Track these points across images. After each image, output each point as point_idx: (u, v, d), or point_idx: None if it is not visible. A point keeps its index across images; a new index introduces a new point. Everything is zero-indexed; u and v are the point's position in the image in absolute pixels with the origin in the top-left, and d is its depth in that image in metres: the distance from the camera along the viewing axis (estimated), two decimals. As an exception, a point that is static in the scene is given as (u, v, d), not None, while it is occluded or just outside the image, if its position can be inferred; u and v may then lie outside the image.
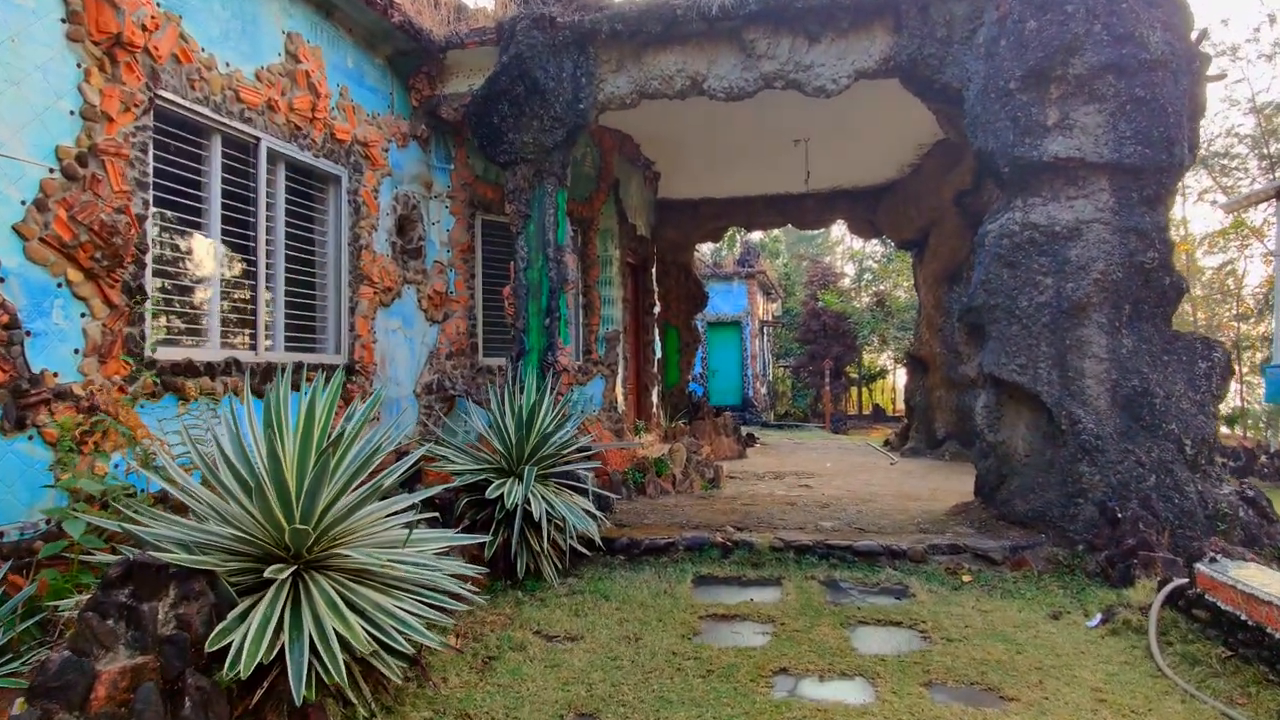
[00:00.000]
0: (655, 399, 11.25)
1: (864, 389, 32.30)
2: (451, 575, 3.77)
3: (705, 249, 35.98)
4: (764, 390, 25.32)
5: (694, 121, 9.09)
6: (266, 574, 3.13)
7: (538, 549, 5.18)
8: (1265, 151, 18.92)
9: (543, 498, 5.31)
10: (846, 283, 29.77)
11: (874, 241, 34.20)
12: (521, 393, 6.60)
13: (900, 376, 37.44)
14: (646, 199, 11.04)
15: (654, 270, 11.42)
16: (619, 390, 9.31)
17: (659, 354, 13.47)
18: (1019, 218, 5.90)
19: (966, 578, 5.38)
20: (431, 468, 5.52)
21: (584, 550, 5.61)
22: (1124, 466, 5.46)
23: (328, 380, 6.16)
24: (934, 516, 6.81)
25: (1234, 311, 19.40)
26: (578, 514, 5.46)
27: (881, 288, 27.18)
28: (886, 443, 13.20)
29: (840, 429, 21.34)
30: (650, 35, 6.69)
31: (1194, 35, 5.84)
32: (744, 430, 13.76)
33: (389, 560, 3.50)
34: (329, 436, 3.59)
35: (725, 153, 10.58)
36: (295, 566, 3.31)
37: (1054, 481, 5.72)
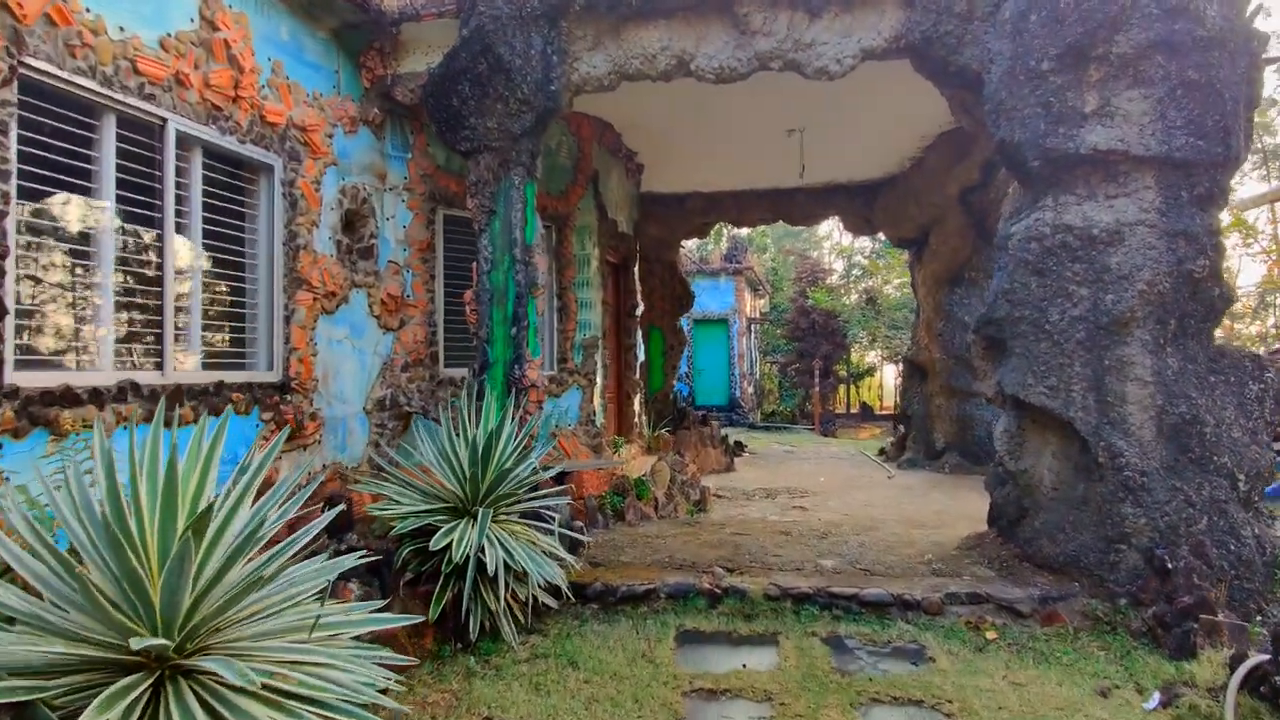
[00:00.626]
0: (638, 407, 10.50)
1: (852, 387, 31.71)
2: (379, 661, 2.99)
3: (691, 244, 35.26)
4: (751, 390, 24.64)
5: (680, 108, 8.31)
6: (108, 693, 2.34)
7: (494, 606, 4.40)
8: (1259, 146, 18.42)
9: (501, 544, 4.53)
10: (835, 279, 29.11)
11: (863, 237, 33.61)
12: (479, 416, 5.85)
13: (889, 374, 36.92)
14: (629, 193, 10.26)
15: (636, 269, 10.64)
16: (597, 401, 8.55)
17: (642, 358, 12.71)
18: (1050, 219, 5.17)
19: (991, 634, 4.66)
20: (372, 509, 4.72)
21: (550, 602, 4.84)
22: (1172, 507, 4.75)
23: (258, 402, 5.39)
24: (945, 551, 6.10)
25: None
26: (542, 561, 4.69)
27: (871, 284, 26.53)
28: (882, 451, 12.51)
29: (830, 431, 20.69)
30: (630, 8, 5.90)
31: (1249, 10, 5.12)
32: (731, 439, 13.03)
33: (285, 660, 2.72)
34: (238, 489, 2.80)
35: (714, 143, 9.80)
36: (155, 675, 2.53)
37: (1089, 521, 5.01)
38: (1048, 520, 5.32)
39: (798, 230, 40.67)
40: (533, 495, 5.29)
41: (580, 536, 6.01)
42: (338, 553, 4.00)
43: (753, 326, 25.70)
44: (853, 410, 31.47)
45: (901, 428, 18.04)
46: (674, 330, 12.58)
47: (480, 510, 4.61)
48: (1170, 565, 4.48)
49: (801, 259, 26.73)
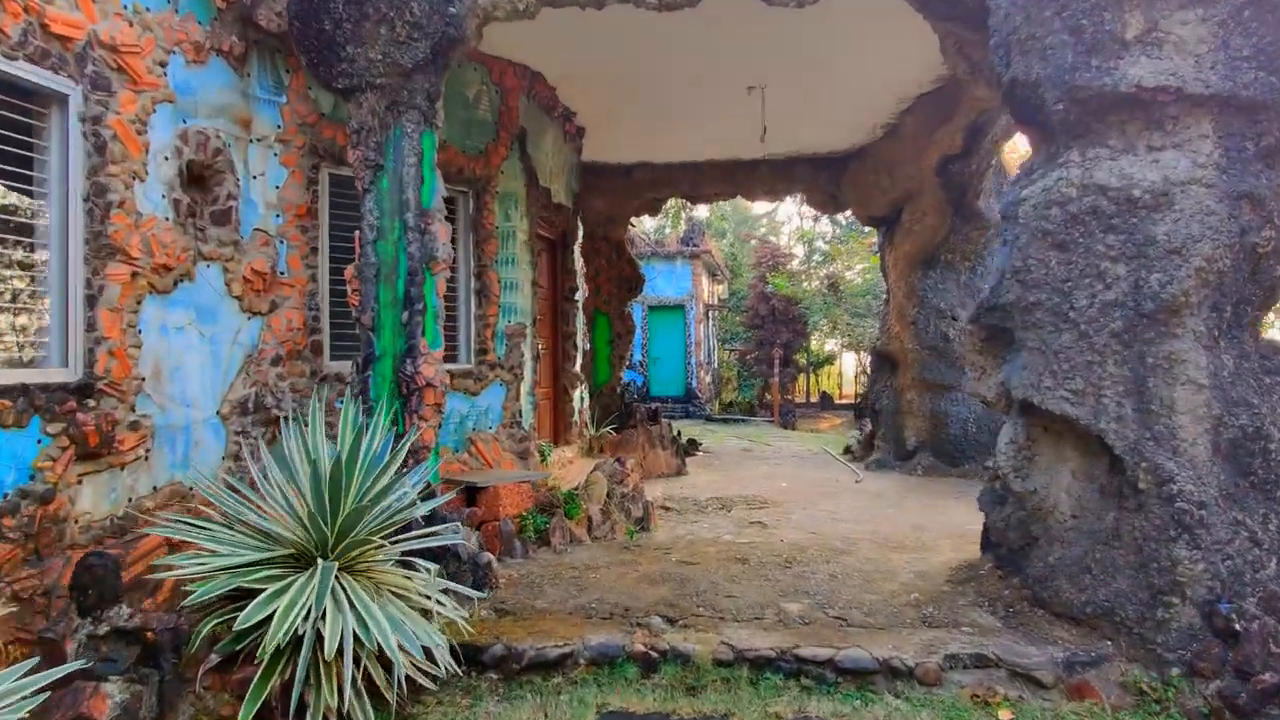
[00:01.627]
0: (578, 404, 9.29)
1: (812, 376, 30.94)
2: None
3: (649, 224, 33.98)
4: (709, 379, 23.60)
5: (625, 57, 7.09)
6: None
7: (333, 701, 3.17)
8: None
9: (355, 606, 3.31)
10: (796, 264, 28.18)
11: (824, 221, 32.74)
12: (369, 419, 4.66)
13: (848, 362, 36.27)
14: (567, 159, 9.00)
15: (576, 247, 9.39)
16: (525, 399, 7.32)
17: (585, 347, 11.50)
18: (1076, 177, 4.07)
19: (1005, 714, 3.59)
20: (175, 562, 3.44)
21: (427, 682, 3.62)
22: (1235, 547, 3.72)
23: (39, 410, 4.06)
24: (933, 585, 5.03)
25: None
26: (417, 625, 3.47)
27: (833, 270, 25.64)
28: (848, 450, 11.51)
29: (789, 422, 19.76)
30: (550, -94, 4.65)
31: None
32: (684, 437, 11.90)
33: None
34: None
35: (665, 103, 8.60)
36: None
37: (1125, 563, 3.95)
38: (1065, 555, 4.27)
39: (757, 214, 39.72)
40: (424, 530, 4.07)
41: (488, 570, 4.80)
42: (93, 639, 2.74)
43: (711, 313, 24.65)
44: (812, 399, 30.73)
45: (866, 419, 17.16)
46: (622, 316, 11.38)
47: (324, 564, 3.36)
48: (1239, 627, 3.45)
49: (761, 243, 25.72)
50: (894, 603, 4.71)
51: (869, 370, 10.98)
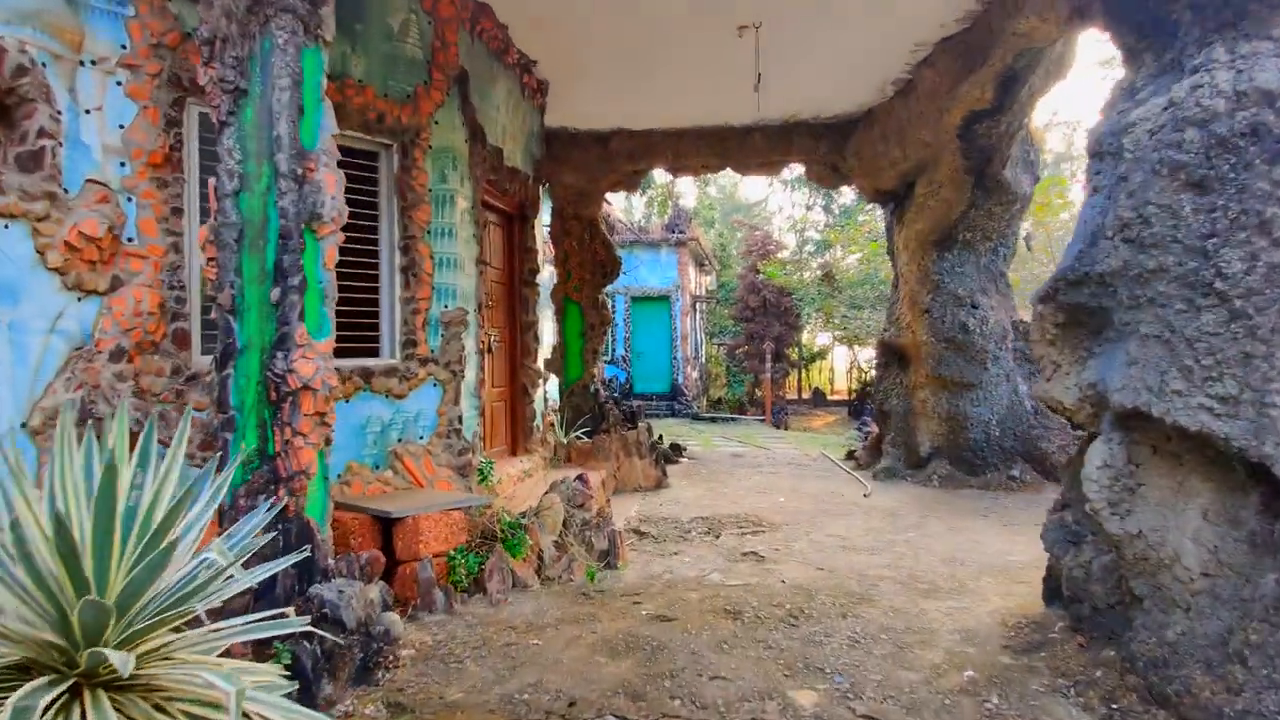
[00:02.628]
0: (541, 406, 7.96)
1: (803, 371, 29.73)
2: None
3: (636, 213, 32.58)
4: (696, 375, 22.30)
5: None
6: None
7: None
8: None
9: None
10: (787, 254, 26.91)
11: (817, 209, 31.52)
12: (228, 433, 3.41)
13: (840, 356, 35.06)
14: (526, 119, 7.65)
15: (539, 222, 8.03)
16: (467, 401, 5.98)
17: (554, 339, 10.18)
18: (1226, 83, 2.79)
19: None
20: None
21: None
22: None
23: None
24: (989, 657, 3.75)
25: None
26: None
27: (826, 259, 24.38)
28: (851, 456, 10.23)
29: (781, 421, 18.52)
30: None
31: None
32: (666, 441, 10.59)
33: None
34: None
35: (643, 54, 7.28)
36: None
37: (1306, 655, 2.68)
38: (1195, 631, 2.99)
39: (746, 203, 38.42)
40: (256, 617, 2.74)
41: (384, 643, 3.47)
42: None
43: (698, 305, 23.35)
44: (804, 396, 29.54)
45: (866, 418, 15.91)
46: (596, 305, 10.04)
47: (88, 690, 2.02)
48: None
49: (751, 230, 24.42)
50: (942, 686, 3.42)
51: (876, 366, 9.71)
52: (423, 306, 5.64)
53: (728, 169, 9.88)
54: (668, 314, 20.34)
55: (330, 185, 3.88)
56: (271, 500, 3.43)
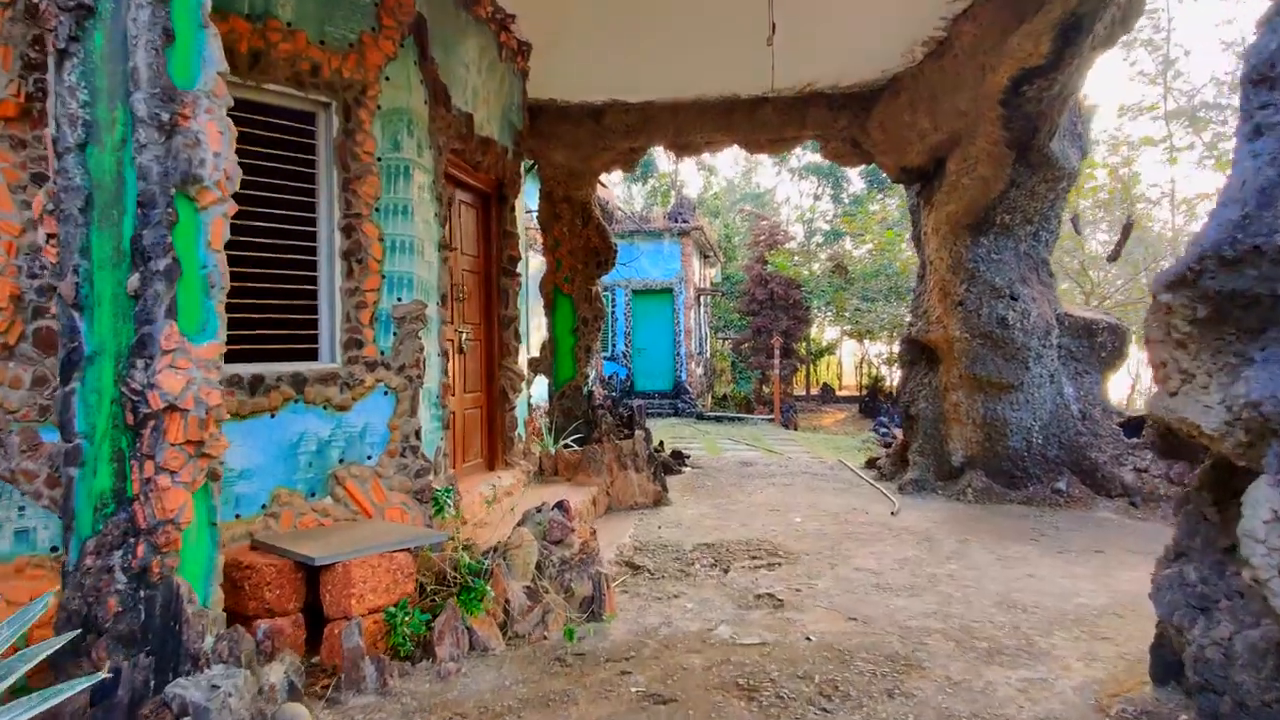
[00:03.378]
0: (523, 412, 7.00)
1: (811, 366, 28.77)
2: None
3: (637, 199, 31.53)
4: (700, 371, 21.33)
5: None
6: None
7: None
8: None
9: None
10: (794, 246, 25.90)
11: (825, 199, 30.47)
12: (74, 467, 2.41)
13: (848, 351, 34.03)
14: (505, 83, 6.67)
15: (519, 203, 7.04)
16: (426, 412, 5.02)
17: (544, 335, 9.22)
18: None
19: None
20: None
21: None
22: None
23: None
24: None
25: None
26: None
27: (837, 249, 23.34)
28: (873, 464, 9.25)
29: (790, 420, 17.56)
30: None
31: None
32: (667, 446, 9.63)
33: None
34: None
35: (640, 12, 6.30)
36: None
37: None
38: None
39: (753, 192, 37.38)
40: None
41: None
42: None
43: (703, 298, 22.37)
44: (812, 392, 28.59)
45: (885, 420, 14.93)
46: (589, 298, 9.07)
47: None
48: None
49: (758, 219, 23.41)
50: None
51: (901, 364, 8.73)
52: (370, 299, 4.68)
53: (735, 146, 8.89)
54: (670, 308, 19.37)
55: (213, 137, 2.92)
56: (117, 566, 2.49)
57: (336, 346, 4.60)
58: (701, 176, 34.79)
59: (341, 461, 4.54)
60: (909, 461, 8.36)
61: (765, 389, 21.03)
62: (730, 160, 41.11)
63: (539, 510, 4.59)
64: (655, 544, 5.82)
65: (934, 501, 7.53)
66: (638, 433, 7.09)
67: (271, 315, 4.45)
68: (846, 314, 21.80)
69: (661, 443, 9.79)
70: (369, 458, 4.66)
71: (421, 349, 4.89)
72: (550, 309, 9.07)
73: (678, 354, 19.25)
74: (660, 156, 33.05)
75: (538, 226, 9.20)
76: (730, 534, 6.17)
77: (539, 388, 9.75)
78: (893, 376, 27.06)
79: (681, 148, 9.04)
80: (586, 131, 8.72)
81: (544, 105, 8.54)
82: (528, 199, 10.32)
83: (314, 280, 4.60)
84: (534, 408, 9.12)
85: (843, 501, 7.50)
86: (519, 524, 4.46)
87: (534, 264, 10.83)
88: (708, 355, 24.01)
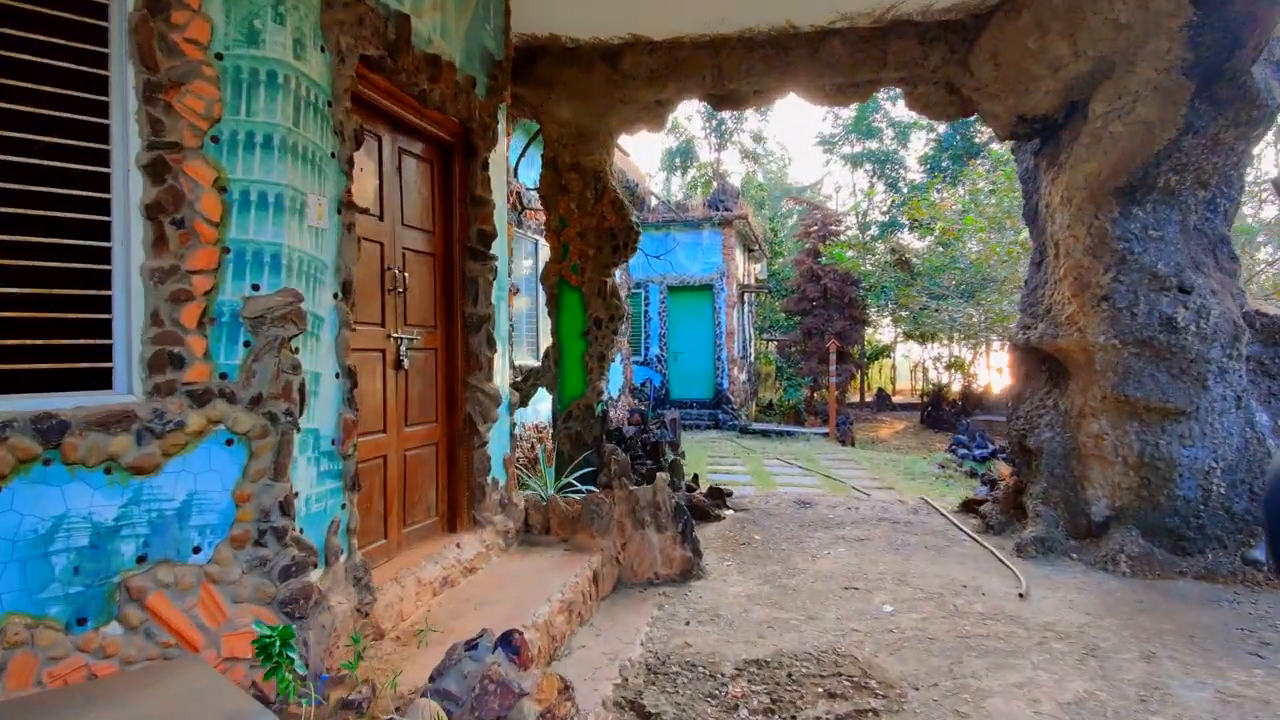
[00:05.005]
0: (506, 445, 5.07)
1: (865, 370, 26.48)
2: None
3: (674, 190, 29.48)
4: (744, 377, 19.26)
5: None
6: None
7: None
8: None
9: None
10: (849, 238, 23.63)
11: (880, 186, 28.08)
12: None
13: (905, 353, 31.51)
14: (480, -4, 4.79)
15: (492, 160, 5.07)
16: (307, 469, 3.16)
17: (551, 341, 7.35)
18: None
19: None
20: None
21: None
22: None
23: None
24: None
25: None
26: None
27: (896, 240, 21.03)
28: (971, 509, 7.13)
29: (846, 433, 15.43)
30: None
31: None
32: (701, 478, 7.63)
33: None
34: None
35: None
36: None
37: None
38: None
39: (799, 186, 35.08)
40: None
41: None
42: None
43: (746, 296, 20.28)
44: (867, 399, 26.31)
45: (963, 440, 12.72)
46: (603, 293, 7.13)
47: None
48: None
49: (810, 208, 21.23)
50: None
51: (1012, 377, 6.62)
52: (199, 287, 2.82)
53: (792, 94, 6.87)
54: (710, 306, 17.35)
55: None
56: None
57: (135, 365, 2.74)
58: (745, 165, 32.67)
59: (141, 561, 2.69)
60: (1026, 510, 6.25)
61: (816, 396, 18.89)
62: (775, 147, 38.83)
63: (469, 650, 2.66)
64: (678, 661, 3.85)
65: (1071, 572, 5.43)
66: (659, 477, 5.14)
67: (17, 313, 2.61)
68: (907, 313, 19.51)
69: (696, 477, 7.81)
70: (195, 550, 2.79)
71: (296, 368, 3.00)
72: (554, 306, 7.17)
73: (718, 358, 17.21)
74: (702, 144, 31.04)
75: (540, 201, 7.29)
76: (791, 638, 4.17)
77: (544, 406, 7.88)
78: (952, 381, 24.64)
79: (722, 98, 7.05)
80: (600, 79, 6.79)
81: (544, 44, 6.64)
82: (520, 163, 8.43)
83: (107, 255, 2.76)
84: (515, 441, 7.32)
85: (944, 571, 5.43)
86: (423, 693, 2.54)
87: (544, 253, 8.95)
88: (752, 358, 21.93)
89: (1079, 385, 5.97)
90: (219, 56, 2.87)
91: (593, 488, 5.77)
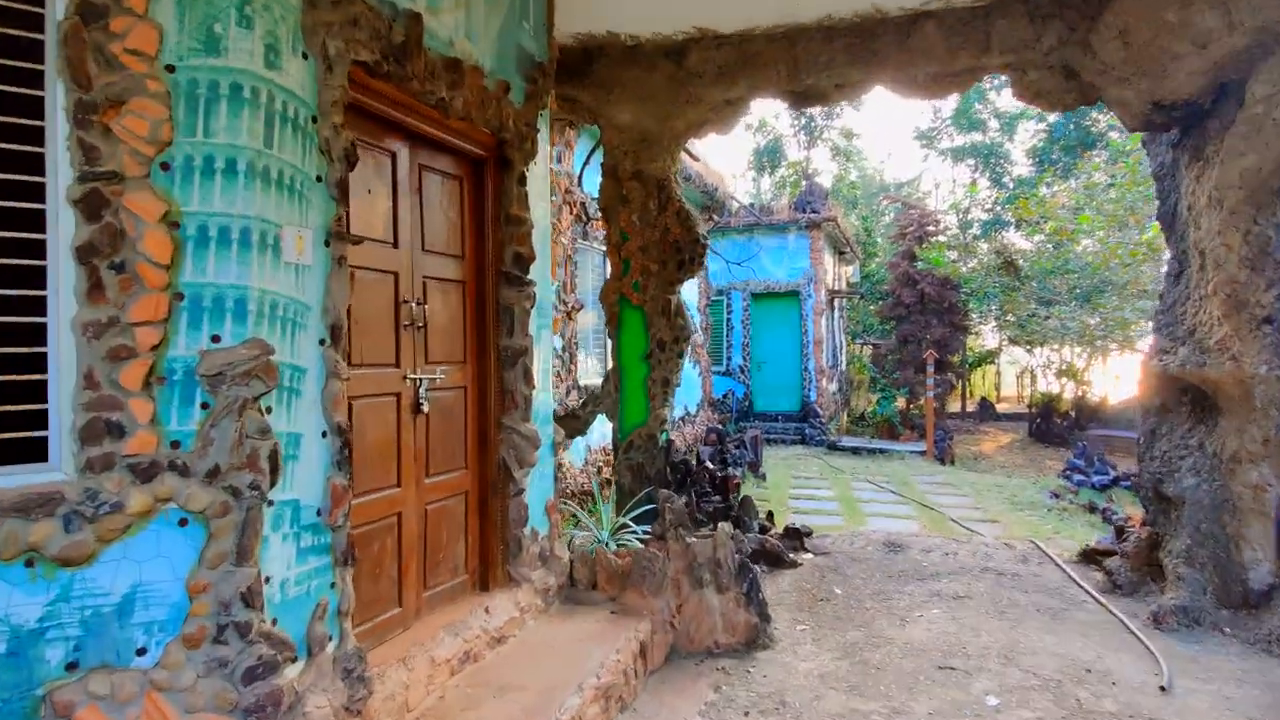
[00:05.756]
0: (550, 488, 4.55)
1: (966, 379, 24.90)
2: None
3: (763, 191, 28.53)
4: (833, 388, 18.27)
5: None
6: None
7: None
8: None
9: None
10: (948, 239, 22.17)
11: (983, 181, 26.34)
12: None
13: (1010, 359, 29.50)
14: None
15: (529, 174, 4.54)
16: (285, 547, 2.70)
17: (609, 363, 6.85)
18: None
19: None
20: None
21: None
22: None
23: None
24: None
25: None
26: None
27: (1000, 240, 19.53)
28: (1093, 559, 6.14)
29: (945, 452, 14.30)
30: None
31: None
32: (776, 520, 6.91)
33: None
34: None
35: None
36: None
37: None
38: None
39: (894, 183, 33.49)
40: None
41: None
42: None
43: (836, 302, 19.26)
44: (968, 409, 24.74)
45: (1079, 464, 11.47)
46: (667, 312, 6.53)
47: None
48: None
49: (906, 208, 20.00)
50: None
51: (1146, 412, 5.64)
52: (144, 341, 2.39)
53: (880, 87, 6.09)
54: (797, 314, 16.47)
55: None
56: None
57: (64, 437, 2.33)
58: (837, 163, 31.37)
59: (72, 668, 2.27)
60: (1164, 570, 5.28)
61: (912, 408, 17.71)
62: (871, 142, 37.27)
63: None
64: (731, 772, 3.22)
65: (1225, 654, 4.47)
66: (721, 529, 4.49)
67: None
68: (1013, 319, 18.05)
69: (771, 514, 7.10)
70: (140, 653, 2.37)
71: (264, 432, 2.55)
72: (614, 327, 6.62)
73: (805, 368, 16.32)
74: (790, 143, 29.96)
75: (601, 214, 6.77)
76: (872, 742, 3.47)
77: (608, 427, 7.34)
78: (1063, 389, 22.80)
79: (800, 95, 6.33)
80: (663, 78, 6.20)
81: (601, 43, 6.11)
82: (580, 173, 7.92)
83: (42, 304, 2.36)
84: (600, 455, 6.83)
85: (1062, 647, 4.57)
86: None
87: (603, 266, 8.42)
88: (842, 367, 20.84)
89: (1232, 424, 4.97)
90: (170, 69, 2.44)
91: (651, 529, 5.19)
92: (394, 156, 3.62)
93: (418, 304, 3.75)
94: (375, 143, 3.49)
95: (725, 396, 15.91)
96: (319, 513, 2.85)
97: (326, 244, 2.90)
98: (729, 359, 16.69)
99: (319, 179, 2.87)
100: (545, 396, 4.65)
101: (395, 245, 3.62)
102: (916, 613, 5.12)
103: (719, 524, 4.56)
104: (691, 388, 12.78)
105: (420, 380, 3.73)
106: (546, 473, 4.62)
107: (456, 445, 4.07)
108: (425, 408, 3.75)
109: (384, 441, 3.53)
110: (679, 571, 4.49)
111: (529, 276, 4.32)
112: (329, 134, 2.88)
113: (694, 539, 4.57)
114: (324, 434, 2.88)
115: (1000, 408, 26.03)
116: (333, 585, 2.91)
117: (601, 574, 4.61)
